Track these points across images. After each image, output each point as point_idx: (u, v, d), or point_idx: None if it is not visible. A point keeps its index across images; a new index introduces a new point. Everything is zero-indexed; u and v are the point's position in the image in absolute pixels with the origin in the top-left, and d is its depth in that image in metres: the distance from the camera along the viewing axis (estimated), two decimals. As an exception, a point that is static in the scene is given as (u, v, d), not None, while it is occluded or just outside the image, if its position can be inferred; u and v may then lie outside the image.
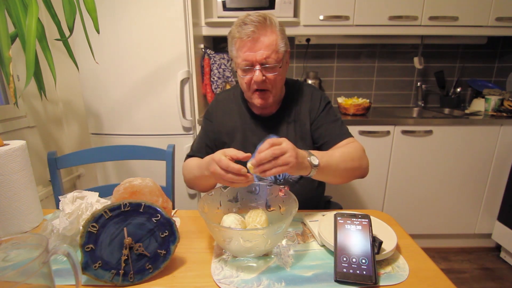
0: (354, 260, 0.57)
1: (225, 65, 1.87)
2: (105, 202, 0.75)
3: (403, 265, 0.61)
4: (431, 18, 1.79)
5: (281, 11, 1.77)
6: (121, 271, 0.56)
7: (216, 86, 1.86)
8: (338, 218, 0.64)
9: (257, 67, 0.84)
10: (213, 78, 1.85)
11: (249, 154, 0.68)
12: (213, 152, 0.74)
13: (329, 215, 0.74)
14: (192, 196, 1.76)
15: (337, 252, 0.59)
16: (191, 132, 1.69)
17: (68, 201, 0.70)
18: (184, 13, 1.53)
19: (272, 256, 0.64)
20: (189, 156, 1.01)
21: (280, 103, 0.98)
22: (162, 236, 0.60)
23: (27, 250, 0.47)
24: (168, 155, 1.14)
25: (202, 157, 0.91)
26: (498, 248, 1.91)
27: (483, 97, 1.97)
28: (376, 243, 0.59)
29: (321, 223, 0.71)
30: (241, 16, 0.85)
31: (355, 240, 0.60)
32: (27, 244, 0.48)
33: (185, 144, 1.67)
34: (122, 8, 1.52)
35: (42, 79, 1.18)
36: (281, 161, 0.64)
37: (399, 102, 2.29)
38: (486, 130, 1.71)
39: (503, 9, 1.78)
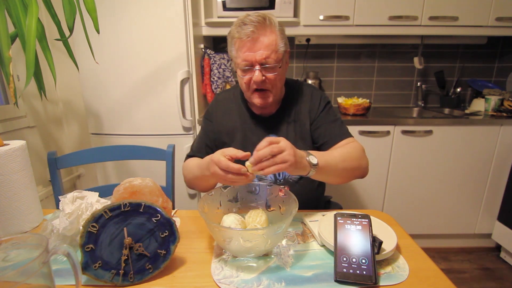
0: (354, 260, 0.57)
1: (225, 65, 1.87)
2: (105, 202, 0.75)
3: (403, 265, 0.61)
4: (431, 18, 1.79)
5: (281, 11, 1.77)
6: (121, 271, 0.56)
7: (216, 86, 1.86)
8: (338, 218, 0.64)
9: (257, 67, 0.84)
10: (213, 78, 1.85)
11: (248, 153, 0.68)
12: (213, 152, 0.74)
13: (329, 215, 0.74)
14: (192, 196, 1.76)
15: (337, 252, 0.59)
16: (191, 132, 1.69)
17: (68, 201, 0.70)
18: (184, 13, 1.53)
19: (272, 256, 0.64)
20: (189, 156, 1.01)
21: (280, 103, 0.98)
22: (162, 236, 0.60)
23: (27, 250, 0.47)
24: (168, 155, 1.14)
25: (202, 157, 0.91)
26: (498, 248, 1.91)
27: (483, 97, 1.97)
28: (376, 243, 0.59)
29: (321, 223, 0.71)
30: (241, 16, 0.85)
31: (355, 240, 0.60)
32: (27, 244, 0.48)
33: (185, 144, 1.67)
34: (122, 8, 1.52)
35: (42, 79, 1.18)
36: (279, 159, 0.64)
37: (399, 102, 2.29)
38: (486, 130, 1.71)
39: (503, 9, 1.78)
